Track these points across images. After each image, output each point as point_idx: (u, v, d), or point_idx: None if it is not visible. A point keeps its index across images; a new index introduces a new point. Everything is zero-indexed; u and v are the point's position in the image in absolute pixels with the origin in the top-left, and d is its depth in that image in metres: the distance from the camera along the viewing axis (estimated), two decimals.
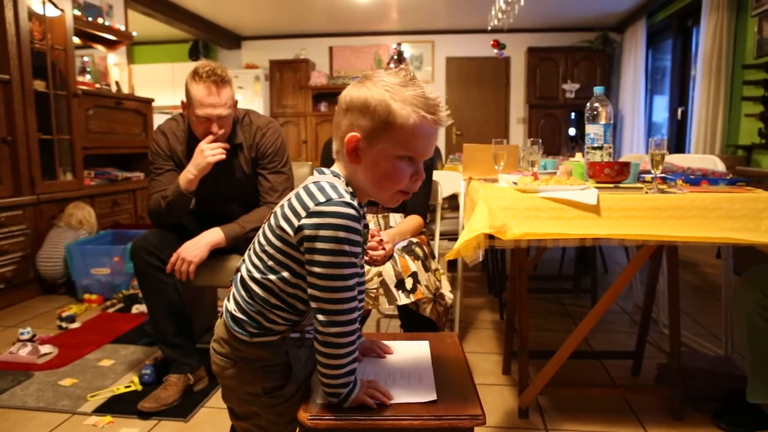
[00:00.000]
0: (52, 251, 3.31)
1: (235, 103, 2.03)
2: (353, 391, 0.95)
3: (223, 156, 1.96)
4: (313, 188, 0.93)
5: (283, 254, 0.95)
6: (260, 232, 1.01)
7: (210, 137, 1.95)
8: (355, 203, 0.92)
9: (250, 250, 1.03)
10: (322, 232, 0.89)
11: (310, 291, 0.93)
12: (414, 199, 1.98)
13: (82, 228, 3.45)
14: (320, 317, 0.92)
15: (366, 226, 1.00)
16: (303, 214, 0.91)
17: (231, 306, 1.04)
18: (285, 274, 0.96)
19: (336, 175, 0.98)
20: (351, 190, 0.96)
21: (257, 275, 0.99)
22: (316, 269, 0.90)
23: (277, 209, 0.97)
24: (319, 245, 0.89)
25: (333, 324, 0.91)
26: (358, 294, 1.13)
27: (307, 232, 0.90)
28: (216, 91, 1.90)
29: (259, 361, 1.02)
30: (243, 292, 1.02)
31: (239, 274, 1.04)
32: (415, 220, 2.06)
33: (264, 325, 1.00)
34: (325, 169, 1.00)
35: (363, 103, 0.93)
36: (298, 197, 0.93)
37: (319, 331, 0.92)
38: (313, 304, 0.93)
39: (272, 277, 0.97)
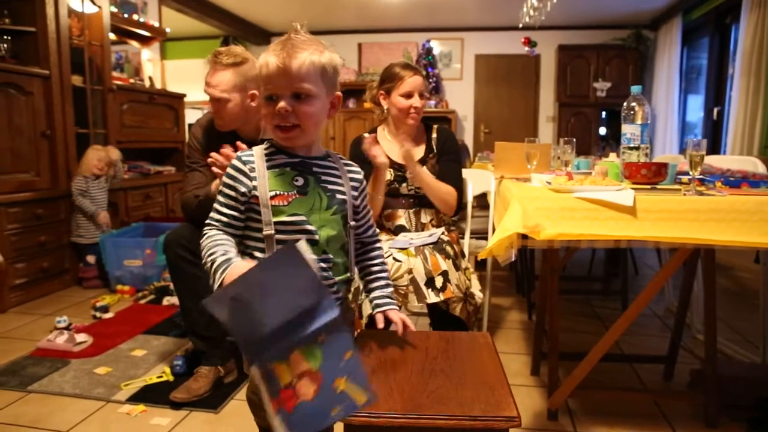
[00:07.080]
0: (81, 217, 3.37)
1: (252, 96, 1.97)
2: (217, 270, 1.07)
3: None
4: None
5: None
6: None
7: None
8: (244, 158, 1.13)
9: None
10: None
11: None
12: (446, 175, 2.07)
13: (102, 173, 3.42)
14: None
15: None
16: None
17: None
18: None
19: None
20: (270, 143, 1.16)
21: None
22: None
23: None
24: None
25: None
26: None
27: None
28: (211, 71, 1.98)
29: None
30: None
31: None
32: (447, 186, 2.06)
33: None
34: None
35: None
36: None
37: None
38: None
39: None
